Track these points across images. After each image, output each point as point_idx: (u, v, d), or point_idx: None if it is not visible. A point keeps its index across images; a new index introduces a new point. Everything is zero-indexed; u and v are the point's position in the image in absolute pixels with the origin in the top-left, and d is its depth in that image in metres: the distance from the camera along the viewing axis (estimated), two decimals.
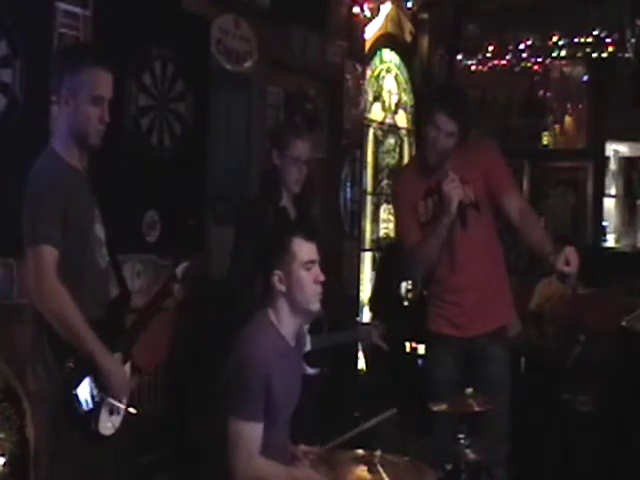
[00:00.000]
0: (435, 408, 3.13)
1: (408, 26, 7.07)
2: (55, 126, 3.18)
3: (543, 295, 6.32)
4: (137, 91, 4.15)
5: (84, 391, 2.75)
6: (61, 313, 2.69)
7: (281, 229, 3.07)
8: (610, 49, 7.09)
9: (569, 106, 8.03)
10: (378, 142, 7.03)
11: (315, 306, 2.78)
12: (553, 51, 7.39)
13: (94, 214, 2.90)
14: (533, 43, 7.41)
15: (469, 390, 3.13)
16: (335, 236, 6.00)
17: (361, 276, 6.44)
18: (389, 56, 7.04)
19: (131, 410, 2.93)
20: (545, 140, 8.16)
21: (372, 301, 5.92)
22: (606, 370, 4.92)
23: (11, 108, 3.46)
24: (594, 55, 7.22)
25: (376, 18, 6.41)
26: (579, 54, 7.34)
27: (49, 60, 3.52)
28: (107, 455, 2.90)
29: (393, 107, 7.20)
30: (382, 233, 7.01)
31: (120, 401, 2.87)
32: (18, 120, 3.48)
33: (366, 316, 6.10)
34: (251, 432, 2.63)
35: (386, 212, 7.03)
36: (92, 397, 2.77)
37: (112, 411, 2.85)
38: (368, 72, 6.55)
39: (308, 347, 3.59)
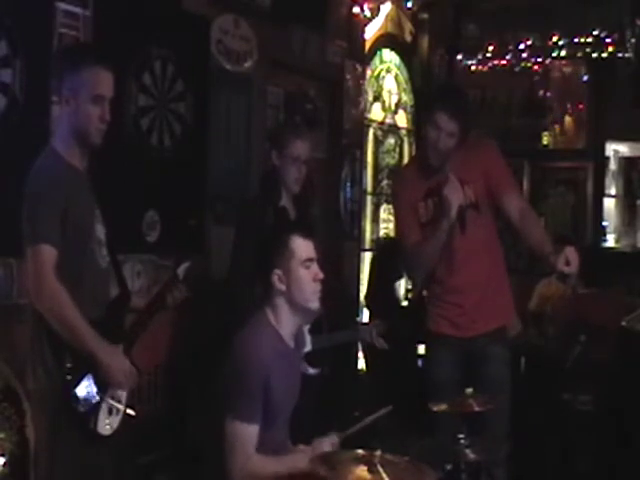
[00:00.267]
0: (435, 408, 3.13)
1: (408, 26, 7.07)
2: (56, 126, 3.19)
3: (543, 295, 6.32)
4: (137, 91, 4.15)
5: (83, 391, 2.75)
6: (60, 313, 2.69)
7: (281, 229, 3.06)
8: (610, 49, 7.08)
9: (569, 106, 8.03)
10: (378, 142, 7.02)
11: (314, 305, 2.77)
12: (553, 51, 7.38)
13: (94, 214, 2.90)
14: (533, 43, 7.39)
15: (469, 390, 3.12)
16: (335, 236, 6.00)
17: (361, 276, 6.44)
18: (389, 56, 7.04)
19: (130, 412, 2.93)
20: (545, 140, 8.15)
21: (366, 299, 5.91)
22: (606, 370, 4.91)
23: (11, 108, 3.46)
24: (594, 55, 7.21)
25: (376, 18, 6.40)
26: (579, 54, 7.33)
27: (49, 60, 3.53)
28: (106, 455, 2.90)
29: (393, 107, 7.19)
30: (382, 233, 7.00)
31: (121, 397, 2.88)
32: (18, 120, 3.49)
33: (366, 316, 6.09)
34: (248, 433, 2.63)
35: (386, 212, 7.02)
36: (91, 397, 2.77)
37: (111, 411, 2.85)
38: (368, 72, 6.55)
39: (308, 347, 3.59)
